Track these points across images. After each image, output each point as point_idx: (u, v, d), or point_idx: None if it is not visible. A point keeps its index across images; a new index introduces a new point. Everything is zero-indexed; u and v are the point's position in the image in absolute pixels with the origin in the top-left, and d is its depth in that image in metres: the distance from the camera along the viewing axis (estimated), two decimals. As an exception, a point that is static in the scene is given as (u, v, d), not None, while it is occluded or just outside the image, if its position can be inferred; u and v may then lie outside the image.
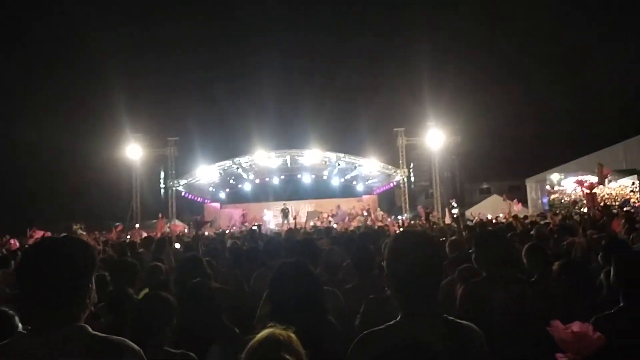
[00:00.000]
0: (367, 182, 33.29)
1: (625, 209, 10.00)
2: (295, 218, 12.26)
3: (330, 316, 2.47)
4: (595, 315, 2.55)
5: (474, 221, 15.15)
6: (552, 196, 21.94)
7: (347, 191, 33.75)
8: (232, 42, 64.83)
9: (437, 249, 1.96)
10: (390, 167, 27.99)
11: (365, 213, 24.81)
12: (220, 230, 18.62)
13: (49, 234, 13.73)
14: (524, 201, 23.21)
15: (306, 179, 31.98)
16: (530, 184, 28.01)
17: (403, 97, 44.22)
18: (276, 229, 21.03)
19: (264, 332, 1.66)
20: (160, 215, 18.81)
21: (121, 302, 3.14)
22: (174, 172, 27.46)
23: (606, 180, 13.50)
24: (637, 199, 19.02)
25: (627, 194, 19.26)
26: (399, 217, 22.90)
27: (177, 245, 11.21)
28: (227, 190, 33.74)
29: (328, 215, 26.48)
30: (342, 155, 27.73)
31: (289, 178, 32.63)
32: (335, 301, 3.23)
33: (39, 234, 12.90)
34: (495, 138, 39.55)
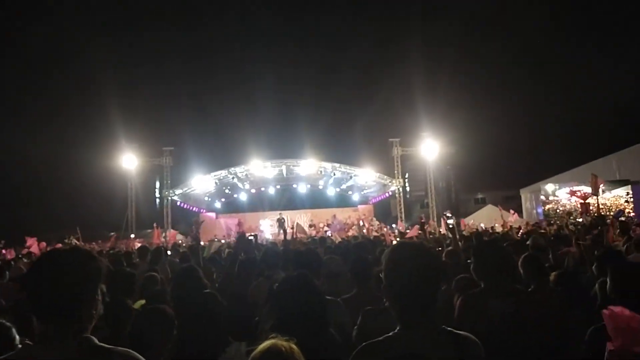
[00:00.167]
0: (362, 192, 33.32)
1: (620, 219, 10.03)
2: (292, 228, 12.20)
3: (332, 328, 2.47)
4: (593, 326, 2.56)
5: (464, 229, 15.18)
6: (547, 206, 22.04)
7: (342, 201, 33.76)
8: (227, 53, 65.13)
9: (435, 260, 1.97)
10: (385, 177, 28.06)
11: (361, 223, 24.81)
12: (216, 239, 18.54)
13: (43, 244, 13.66)
14: (518, 211, 23.30)
15: (302, 188, 31.98)
16: (525, 194, 28.13)
17: (398, 107, 44.51)
18: (271, 238, 20.96)
19: (266, 343, 1.67)
20: (155, 224, 18.75)
21: (118, 314, 3.12)
22: (169, 181, 27.41)
23: (600, 190, 13.57)
24: (631, 209, 19.14)
25: (621, 205, 19.37)
26: (394, 225, 22.89)
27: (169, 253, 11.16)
28: (223, 200, 33.66)
29: (324, 225, 26.46)
30: (337, 165, 27.79)
31: (284, 188, 32.63)
32: (339, 312, 3.22)
33: (32, 242, 12.82)
34: (490, 149, 39.76)
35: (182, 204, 29.02)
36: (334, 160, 28.11)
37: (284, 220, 26.11)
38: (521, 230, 12.92)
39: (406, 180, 28.49)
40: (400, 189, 27.71)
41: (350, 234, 20.32)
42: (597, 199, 11.37)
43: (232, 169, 27.56)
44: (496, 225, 18.01)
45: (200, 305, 2.90)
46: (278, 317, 2.31)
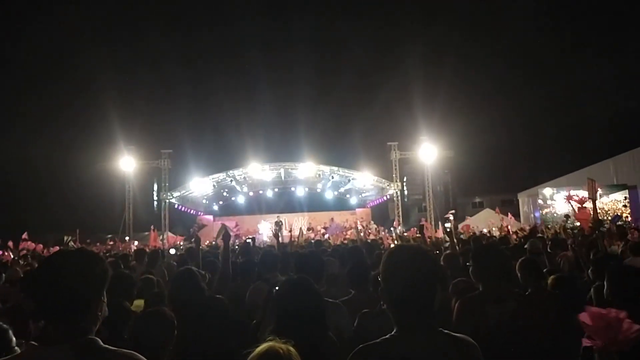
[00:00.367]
0: (360, 196, 33.36)
1: (618, 223, 10.05)
2: (290, 231, 12.18)
3: (331, 332, 2.47)
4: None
5: (462, 233, 15.18)
6: (545, 210, 22.07)
7: (340, 204, 33.79)
8: (226, 56, 65.20)
9: (432, 263, 1.97)
10: (383, 180, 28.09)
11: (360, 227, 24.84)
12: (214, 243, 18.53)
13: (40, 246, 13.64)
14: (516, 215, 23.33)
15: (300, 191, 32.00)
16: (523, 198, 28.19)
17: (396, 111, 44.62)
18: (269, 241, 20.94)
19: (264, 346, 1.67)
20: (152, 227, 18.72)
21: (117, 316, 3.11)
22: (167, 184, 27.37)
23: (598, 194, 13.59)
24: (628, 213, 19.18)
25: (619, 209, 19.41)
26: (392, 228, 22.90)
27: (172, 251, 11.16)
28: (221, 202, 33.66)
29: (321, 228, 26.47)
30: (335, 168, 27.82)
31: (282, 191, 32.65)
32: (339, 315, 3.22)
33: (28, 244, 12.79)
34: (488, 153, 39.87)
35: (180, 207, 28.99)
36: (332, 163, 28.19)
37: (282, 224, 26.14)
38: (518, 234, 12.95)
39: (404, 183, 28.53)
40: (398, 193, 27.74)
41: (348, 236, 20.32)
42: (595, 203, 11.37)
43: (231, 171, 27.57)
44: (494, 229, 18.03)
45: (201, 308, 2.89)
46: (278, 320, 2.31)
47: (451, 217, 12.61)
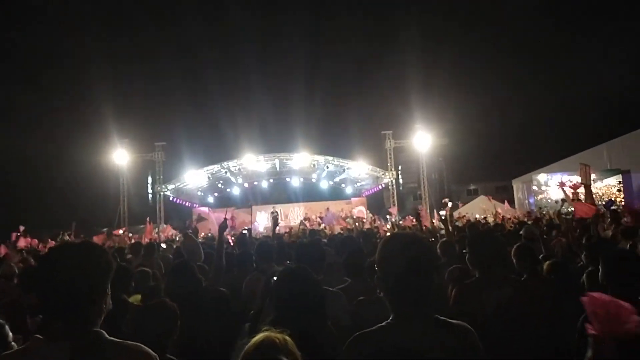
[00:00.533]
0: (355, 185, 33.37)
1: (612, 208, 10.11)
2: (290, 228, 12.21)
3: (329, 321, 2.47)
4: (584, 314, 2.58)
5: (457, 220, 15.23)
6: (539, 196, 22.18)
7: (335, 194, 33.78)
8: (219, 47, 64.74)
9: (428, 250, 1.98)
10: (378, 169, 28.11)
11: (355, 216, 24.85)
12: (210, 234, 18.53)
13: (35, 241, 13.59)
14: (510, 202, 23.45)
15: (295, 182, 31.98)
16: (517, 185, 28.30)
17: (390, 100, 44.52)
18: (265, 232, 20.95)
19: (260, 336, 1.67)
20: (147, 219, 18.68)
21: (116, 309, 3.12)
22: (161, 177, 27.30)
23: (591, 179, 13.66)
24: (622, 198, 19.28)
25: (613, 194, 19.51)
26: (387, 217, 22.95)
27: (164, 246, 11.14)
28: (216, 194, 33.58)
29: (316, 217, 26.50)
30: (330, 158, 27.81)
31: (277, 181, 32.60)
32: (338, 304, 3.23)
33: (21, 240, 12.74)
34: (482, 140, 39.94)
35: (174, 199, 28.92)
36: (327, 153, 28.17)
37: (277, 214, 26.13)
38: (512, 220, 13.02)
39: (399, 172, 28.58)
40: (393, 181, 27.79)
41: (343, 224, 20.34)
42: (590, 189, 11.41)
43: (225, 163, 27.50)
44: (489, 215, 18.12)
45: (199, 299, 2.90)
46: (277, 310, 2.32)
47: (449, 204, 12.65)
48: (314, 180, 32.47)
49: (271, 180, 32.27)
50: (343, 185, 33.57)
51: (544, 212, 15.65)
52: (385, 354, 1.73)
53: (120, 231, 18.47)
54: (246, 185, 32.08)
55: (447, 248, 5.19)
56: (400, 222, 17.40)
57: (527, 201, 25.20)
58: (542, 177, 22.85)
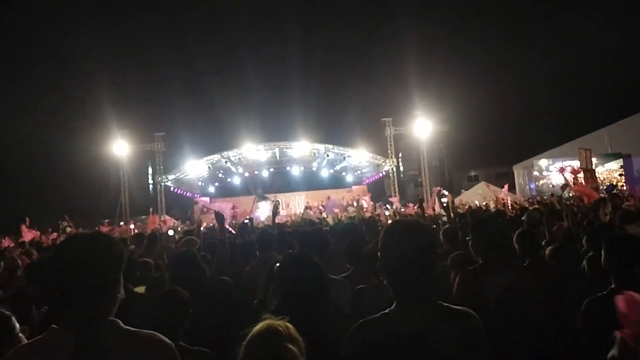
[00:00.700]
0: (356, 173, 33.37)
1: (613, 192, 10.10)
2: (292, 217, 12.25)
3: (332, 308, 2.48)
4: (588, 298, 2.59)
5: (458, 207, 15.24)
6: (540, 182, 22.18)
7: (336, 182, 33.82)
8: (218, 36, 64.32)
9: (430, 237, 1.97)
10: (379, 157, 28.09)
11: (355, 203, 24.87)
12: (212, 224, 18.56)
13: (37, 232, 13.61)
14: (511, 187, 23.43)
15: (295, 171, 31.98)
16: (518, 171, 28.28)
17: (390, 87, 44.42)
18: (266, 221, 20.94)
19: (262, 324, 1.67)
20: (151, 210, 18.71)
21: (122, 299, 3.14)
22: (161, 167, 27.30)
23: (593, 163, 13.63)
24: (624, 182, 19.27)
25: (614, 178, 19.50)
26: (388, 205, 22.95)
27: (171, 232, 11.19)
28: (217, 184, 33.61)
29: (318, 205, 26.54)
30: (330, 146, 27.77)
31: (278, 170, 32.59)
32: (341, 291, 3.24)
33: (27, 232, 12.76)
34: (482, 126, 39.83)
35: (175, 190, 28.96)
36: (327, 141, 28.14)
37: (279, 203, 26.14)
38: (513, 205, 13.01)
39: (399, 159, 28.56)
40: (394, 169, 27.78)
41: (347, 213, 20.34)
42: (593, 173, 11.37)
43: (225, 152, 27.48)
44: (490, 202, 18.12)
45: (203, 289, 2.91)
46: (282, 296, 2.32)
47: (445, 192, 12.63)
48: (314, 169, 32.47)
49: (271, 170, 32.26)
50: (344, 173, 33.57)
51: (546, 198, 15.65)
52: (388, 340, 1.73)
53: (122, 223, 18.53)
54: (247, 174, 32.08)
55: (449, 235, 5.19)
56: (402, 209, 17.40)
57: (528, 187, 25.19)
58: (543, 162, 22.83)
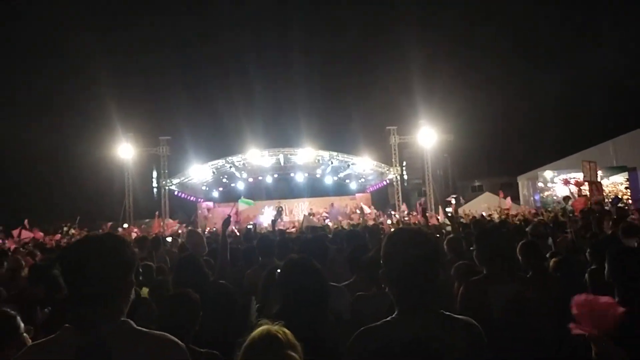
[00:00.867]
0: (360, 181, 33.35)
1: (618, 205, 10.06)
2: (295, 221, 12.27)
3: (332, 315, 2.48)
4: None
5: (456, 214, 15.18)
6: (545, 193, 22.07)
7: (340, 189, 33.78)
8: (224, 41, 64.70)
9: (433, 245, 1.98)
10: (383, 165, 28.07)
11: (358, 211, 24.87)
12: (214, 229, 18.58)
13: (41, 234, 13.66)
14: (515, 198, 23.35)
15: (299, 177, 31.96)
16: (522, 181, 28.19)
17: (395, 95, 44.52)
18: (269, 227, 20.96)
19: (261, 330, 1.67)
20: (157, 214, 18.75)
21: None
22: (166, 171, 27.35)
23: (598, 176, 13.58)
24: (629, 195, 19.17)
25: (619, 191, 19.39)
26: (392, 212, 22.94)
27: (169, 239, 11.20)
28: (220, 189, 33.62)
29: (322, 212, 26.56)
30: (335, 153, 27.76)
31: (282, 177, 32.59)
32: (340, 298, 3.24)
33: (25, 234, 12.81)
34: (487, 136, 39.83)
35: (179, 194, 28.98)
36: (332, 148, 28.12)
37: (282, 209, 26.14)
38: (518, 217, 12.98)
39: (404, 168, 28.51)
40: (398, 177, 27.74)
41: (351, 221, 20.34)
42: (599, 185, 11.32)
43: (230, 158, 27.51)
44: (493, 212, 18.07)
45: (206, 293, 2.91)
46: (283, 301, 2.32)
47: (453, 201, 12.64)
48: (318, 176, 32.46)
49: (275, 176, 32.26)
50: (347, 180, 33.55)
51: (550, 209, 15.59)
52: (390, 348, 1.73)
53: (125, 225, 18.56)
54: (250, 180, 32.09)
55: (454, 244, 5.18)
56: (405, 218, 17.37)
57: (532, 198, 25.09)
58: (548, 173, 22.72)
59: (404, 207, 22.37)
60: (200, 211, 27.12)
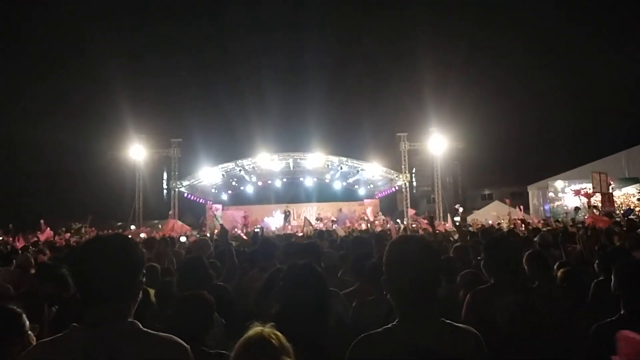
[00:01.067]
0: (369, 186, 33.29)
1: (630, 217, 9.96)
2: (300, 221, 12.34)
3: (330, 319, 2.49)
4: (597, 323, 2.56)
5: (463, 222, 15.10)
6: (555, 203, 21.89)
7: (349, 195, 33.74)
8: (236, 45, 65.10)
9: (435, 253, 1.98)
10: (392, 171, 28.00)
11: (366, 217, 24.80)
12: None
13: (51, 232, 13.79)
14: (525, 208, 23.17)
15: (308, 182, 31.98)
16: (533, 191, 27.99)
17: (406, 102, 44.44)
18: (276, 231, 21.00)
19: (254, 332, 1.68)
20: (170, 214, 18.83)
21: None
22: (176, 173, 27.52)
23: (610, 187, 13.44)
24: (641, 207, 18.93)
25: (632, 202, 19.16)
26: (398, 220, 22.83)
27: (183, 239, 11.28)
28: (230, 192, 33.75)
29: (331, 216, 26.56)
30: (344, 159, 27.75)
31: (291, 181, 32.64)
32: (337, 303, 3.24)
33: (46, 232, 12.95)
34: (498, 144, 39.61)
35: (189, 196, 29.13)
36: (341, 154, 28.13)
37: (290, 213, 26.16)
38: (527, 226, 12.85)
39: (413, 175, 28.41)
40: (407, 184, 27.65)
41: (360, 226, 20.29)
42: (611, 196, 11.20)
43: (239, 161, 27.62)
44: (502, 221, 17.94)
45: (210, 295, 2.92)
46: (284, 304, 2.33)
47: (460, 210, 12.57)
48: (327, 181, 32.46)
49: (285, 180, 32.32)
50: (356, 186, 33.50)
51: (560, 220, 15.45)
52: (390, 355, 1.73)
53: (133, 227, 18.68)
54: (260, 184, 32.17)
55: (461, 253, 5.16)
56: (413, 225, 17.28)
57: (542, 208, 24.90)
58: (559, 183, 22.54)
59: (411, 213, 22.27)
60: (208, 214, 27.20)
